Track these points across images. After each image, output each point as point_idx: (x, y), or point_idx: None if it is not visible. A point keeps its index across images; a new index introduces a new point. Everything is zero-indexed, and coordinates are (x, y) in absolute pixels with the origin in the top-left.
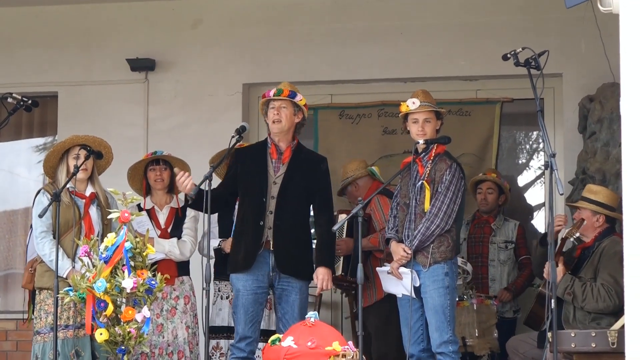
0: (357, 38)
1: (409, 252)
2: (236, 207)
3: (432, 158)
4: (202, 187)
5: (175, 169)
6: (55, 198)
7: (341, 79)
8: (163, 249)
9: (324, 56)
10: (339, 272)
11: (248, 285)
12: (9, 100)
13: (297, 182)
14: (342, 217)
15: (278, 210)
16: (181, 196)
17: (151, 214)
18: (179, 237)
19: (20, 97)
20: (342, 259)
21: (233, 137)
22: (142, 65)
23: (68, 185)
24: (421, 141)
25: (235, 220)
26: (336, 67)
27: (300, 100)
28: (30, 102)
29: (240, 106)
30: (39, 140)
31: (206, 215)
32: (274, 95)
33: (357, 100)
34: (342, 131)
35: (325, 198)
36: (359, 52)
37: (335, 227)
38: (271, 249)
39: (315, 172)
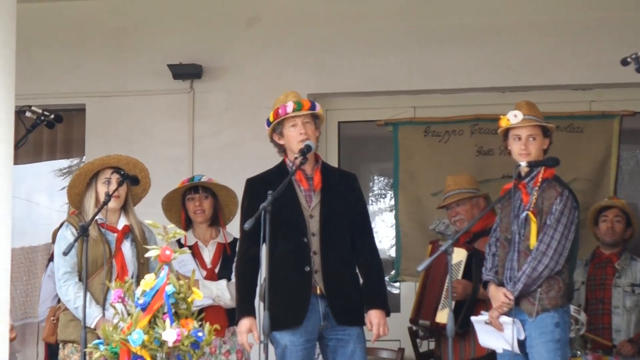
0: (445, 38)
1: (511, 297)
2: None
3: (538, 184)
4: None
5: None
6: (83, 232)
7: (426, 88)
8: (210, 293)
9: (406, 61)
10: (445, 320)
11: (296, 339)
12: (27, 114)
13: (336, 210)
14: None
15: (324, 249)
16: (230, 228)
17: (194, 251)
18: (229, 279)
19: (40, 111)
20: (453, 303)
21: (296, 158)
22: (187, 72)
23: (97, 217)
24: (523, 163)
25: (263, 266)
26: (420, 74)
27: (319, 110)
28: (52, 116)
29: None
30: (63, 163)
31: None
32: (294, 110)
33: (446, 114)
34: (428, 151)
35: (365, 221)
36: (448, 56)
37: (420, 267)
38: (319, 294)
39: (351, 193)
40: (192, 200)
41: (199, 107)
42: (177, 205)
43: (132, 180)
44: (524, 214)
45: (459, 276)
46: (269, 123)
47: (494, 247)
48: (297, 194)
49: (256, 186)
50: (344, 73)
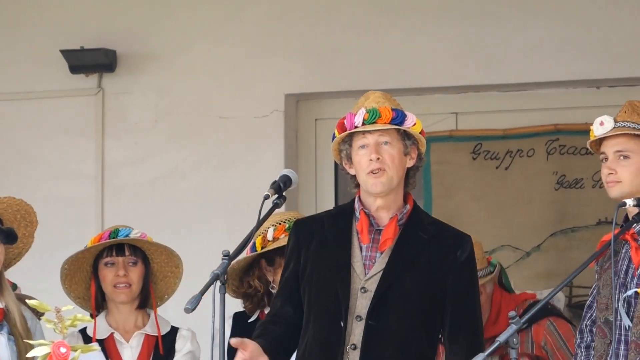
0: (507, 3)
1: None
2: None
3: None
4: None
5: (233, 340)
6: None
7: (475, 83)
8: None
9: (442, 39)
10: None
11: None
12: None
13: (411, 287)
14: None
15: (368, 344)
16: (164, 312)
17: (109, 348)
18: None
19: None
20: None
21: (266, 199)
22: (92, 62)
23: None
24: (629, 202)
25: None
26: (464, 60)
27: (414, 124)
28: None
29: (280, 138)
30: None
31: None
32: (365, 122)
33: (508, 124)
34: (479, 183)
35: (468, 315)
36: (510, 31)
37: None
38: None
39: (448, 265)
40: (111, 267)
41: (111, 116)
42: (85, 273)
43: (7, 237)
44: (635, 285)
45: None
46: (333, 138)
47: (587, 334)
48: (352, 251)
49: (300, 234)
50: (344, 61)
